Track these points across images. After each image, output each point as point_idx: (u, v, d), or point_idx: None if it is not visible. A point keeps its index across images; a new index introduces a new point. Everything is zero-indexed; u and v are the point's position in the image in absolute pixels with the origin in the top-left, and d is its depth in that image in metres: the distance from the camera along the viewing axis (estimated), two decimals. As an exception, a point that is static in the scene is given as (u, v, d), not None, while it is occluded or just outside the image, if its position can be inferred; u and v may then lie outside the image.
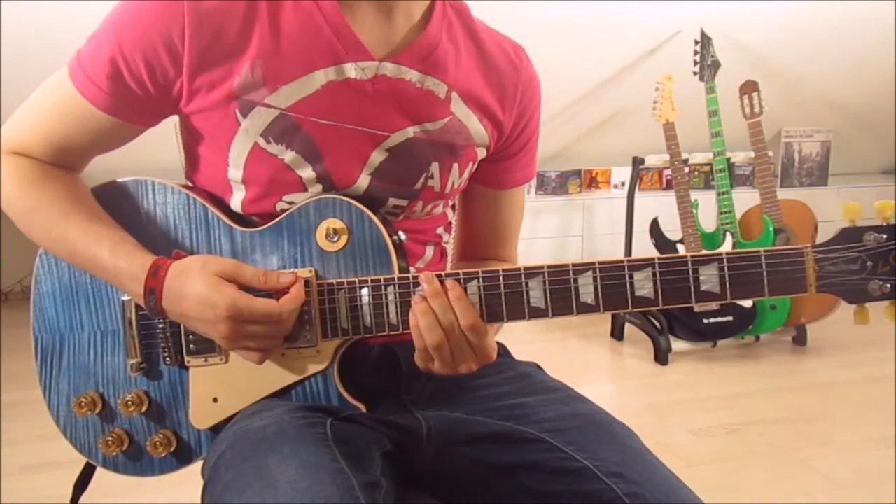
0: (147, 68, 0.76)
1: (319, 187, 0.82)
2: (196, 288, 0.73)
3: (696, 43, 2.69)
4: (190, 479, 0.86)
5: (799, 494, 1.81)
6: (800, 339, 2.85)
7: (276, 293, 0.76)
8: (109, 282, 0.81)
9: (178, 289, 0.74)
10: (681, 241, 2.70)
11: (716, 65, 2.66)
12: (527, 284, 0.75)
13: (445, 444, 0.82)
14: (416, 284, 0.76)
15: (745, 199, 2.85)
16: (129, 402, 0.83)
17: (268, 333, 0.75)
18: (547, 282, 0.75)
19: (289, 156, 0.80)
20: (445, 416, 0.84)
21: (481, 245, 1.00)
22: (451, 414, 0.84)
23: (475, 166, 0.90)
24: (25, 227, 0.83)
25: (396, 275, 0.78)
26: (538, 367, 0.94)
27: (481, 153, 0.89)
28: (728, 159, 2.76)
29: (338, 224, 0.79)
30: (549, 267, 0.75)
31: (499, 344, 0.95)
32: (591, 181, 3.69)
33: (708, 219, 2.77)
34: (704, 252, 0.74)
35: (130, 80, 0.77)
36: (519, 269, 0.75)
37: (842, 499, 1.79)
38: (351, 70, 0.79)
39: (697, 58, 2.68)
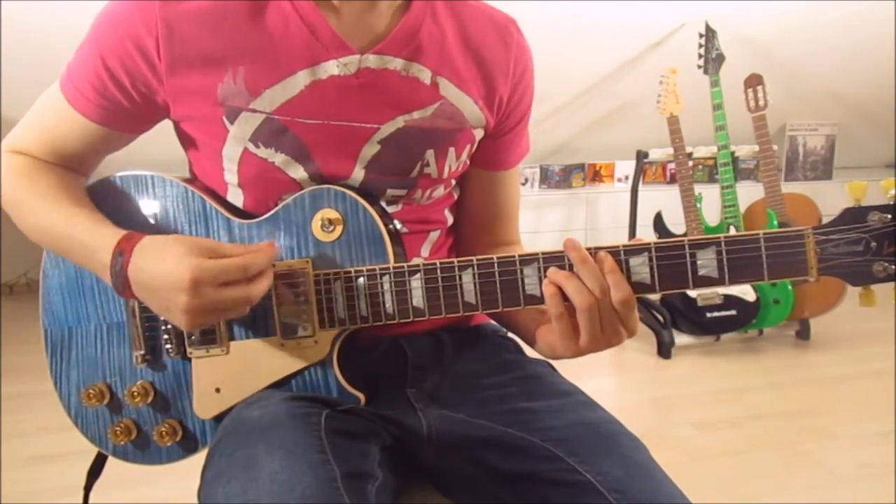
0: (129, 77, 0.77)
1: (314, 186, 0.81)
2: (172, 253, 0.70)
3: (701, 36, 2.68)
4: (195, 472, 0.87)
5: (801, 488, 1.81)
6: (803, 334, 2.84)
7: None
8: (86, 264, 0.79)
9: (153, 250, 0.72)
10: (684, 235, 2.69)
11: (720, 58, 2.64)
12: (522, 272, 0.74)
13: (446, 445, 0.82)
14: (412, 274, 0.76)
15: (749, 193, 2.84)
16: (136, 393, 0.84)
17: (231, 295, 0.71)
18: (542, 269, 0.74)
19: (279, 158, 0.80)
20: (448, 416, 0.83)
21: (486, 230, 0.97)
22: (453, 415, 0.83)
23: (474, 147, 0.89)
24: (16, 218, 0.83)
25: (392, 264, 0.78)
26: (550, 366, 0.92)
27: (479, 134, 0.88)
28: (732, 153, 2.75)
29: (333, 214, 0.79)
30: (543, 254, 0.74)
31: (510, 340, 0.95)
32: (594, 175, 3.68)
33: (712, 213, 2.76)
34: (703, 236, 0.72)
35: (115, 90, 0.78)
36: (514, 257, 0.74)
37: (844, 492, 1.79)
38: (333, 67, 0.78)
39: (702, 51, 2.66)
